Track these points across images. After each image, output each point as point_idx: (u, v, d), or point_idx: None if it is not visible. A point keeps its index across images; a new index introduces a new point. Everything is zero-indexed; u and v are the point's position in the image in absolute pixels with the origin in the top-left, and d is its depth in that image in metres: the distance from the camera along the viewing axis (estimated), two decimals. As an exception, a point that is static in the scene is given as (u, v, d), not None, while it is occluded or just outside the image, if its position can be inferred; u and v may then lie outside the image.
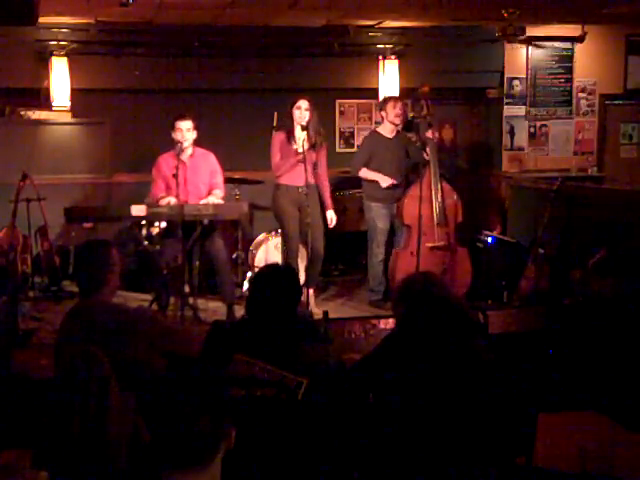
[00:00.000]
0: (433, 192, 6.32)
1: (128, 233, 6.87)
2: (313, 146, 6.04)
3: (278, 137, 6.15)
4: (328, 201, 6.31)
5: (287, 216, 6.14)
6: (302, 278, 5.86)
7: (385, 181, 6.40)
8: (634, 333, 4.78)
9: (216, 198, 5.97)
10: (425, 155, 6.34)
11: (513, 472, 2.89)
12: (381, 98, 7.36)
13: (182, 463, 1.83)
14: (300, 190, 5.99)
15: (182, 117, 5.87)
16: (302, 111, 5.97)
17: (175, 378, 1.93)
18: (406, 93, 7.85)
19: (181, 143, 5.82)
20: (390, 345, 3.07)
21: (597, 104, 8.79)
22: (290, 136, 6.05)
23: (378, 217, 6.52)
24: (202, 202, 5.86)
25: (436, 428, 2.78)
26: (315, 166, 6.09)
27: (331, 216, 6.32)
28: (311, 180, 5.95)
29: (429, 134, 6.40)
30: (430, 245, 6.28)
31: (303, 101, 5.99)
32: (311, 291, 6.19)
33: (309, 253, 6.02)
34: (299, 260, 6.28)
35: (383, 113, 6.59)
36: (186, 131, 5.85)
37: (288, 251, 6.22)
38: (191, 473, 1.83)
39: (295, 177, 6.02)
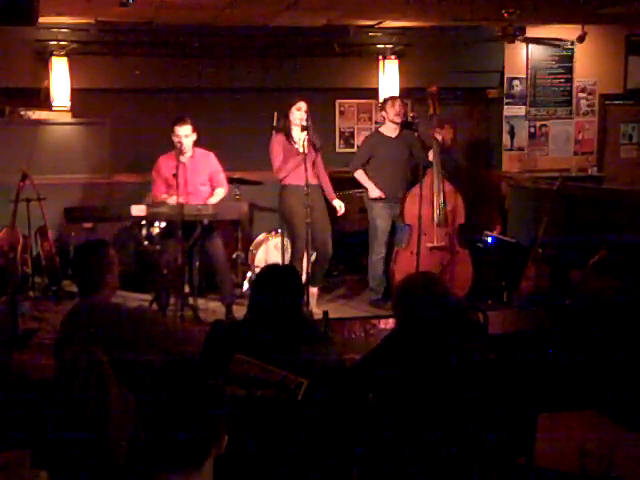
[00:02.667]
0: (435, 193, 6.31)
1: (128, 233, 6.87)
2: (314, 146, 6.06)
3: (278, 140, 6.12)
4: (332, 193, 6.38)
5: (296, 216, 6.06)
6: (303, 278, 5.87)
7: (374, 192, 6.46)
8: (634, 333, 4.78)
9: (219, 196, 6.00)
10: (429, 155, 6.34)
11: (513, 472, 2.89)
12: (382, 99, 7.36)
13: (173, 464, 1.82)
14: (304, 190, 5.99)
15: (180, 122, 5.83)
16: (302, 112, 5.99)
17: (171, 378, 1.92)
18: (406, 93, 7.85)
19: (181, 144, 5.82)
20: (390, 345, 3.07)
21: (597, 104, 8.79)
22: (289, 137, 6.06)
23: (379, 216, 6.52)
24: (209, 201, 5.89)
25: (436, 428, 2.77)
26: (314, 166, 6.12)
27: (339, 204, 6.37)
28: (312, 180, 5.95)
29: (435, 134, 6.39)
30: (429, 245, 6.28)
31: (302, 103, 6.03)
32: (313, 290, 6.19)
33: (314, 253, 6.02)
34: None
35: (384, 113, 6.60)
36: (184, 137, 5.83)
37: (295, 251, 6.16)
38: (182, 475, 1.83)
39: (299, 177, 6.02)
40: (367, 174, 6.64)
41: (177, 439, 1.82)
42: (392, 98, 6.73)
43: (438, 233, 6.34)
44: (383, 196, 6.43)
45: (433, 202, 6.31)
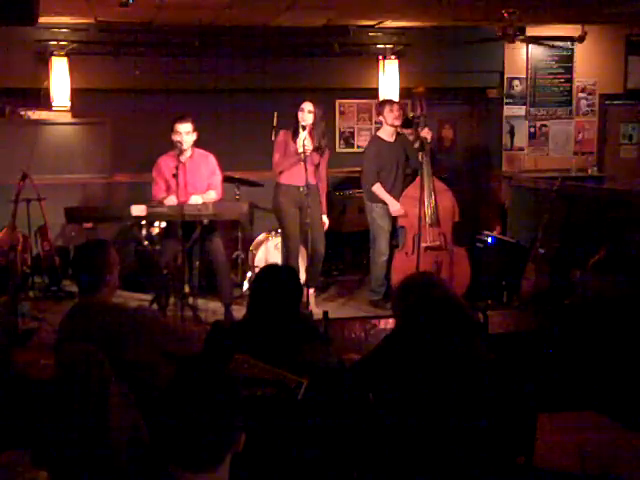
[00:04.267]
0: (425, 192, 6.30)
1: (128, 233, 6.87)
2: (317, 149, 6.05)
3: (282, 135, 6.18)
4: (323, 205, 6.35)
5: (287, 216, 6.16)
6: (302, 278, 5.87)
7: (394, 206, 6.38)
8: (634, 333, 4.78)
9: (208, 197, 5.95)
10: (421, 156, 6.33)
11: (513, 472, 2.89)
12: (379, 101, 7.34)
13: (191, 464, 1.82)
14: (300, 190, 6.00)
15: (181, 119, 5.85)
16: (305, 113, 6.00)
17: (190, 375, 1.92)
18: (406, 93, 7.85)
19: (180, 143, 5.82)
20: (390, 345, 3.07)
21: (597, 104, 8.80)
22: (295, 135, 6.06)
23: (381, 217, 6.52)
24: (191, 199, 5.81)
25: (436, 428, 2.77)
26: (316, 169, 6.12)
27: (325, 220, 6.37)
28: (311, 180, 5.95)
29: (424, 133, 6.40)
30: (424, 245, 6.27)
31: (306, 103, 6.03)
32: (311, 291, 6.19)
33: (309, 253, 6.03)
34: (300, 260, 6.28)
35: (382, 118, 6.61)
36: (185, 134, 5.84)
37: (288, 251, 6.23)
38: (201, 474, 1.83)
39: (295, 177, 6.03)
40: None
41: (196, 437, 1.81)
42: (389, 102, 6.73)
43: (432, 233, 6.34)
44: (403, 213, 6.37)
45: (425, 202, 6.30)
